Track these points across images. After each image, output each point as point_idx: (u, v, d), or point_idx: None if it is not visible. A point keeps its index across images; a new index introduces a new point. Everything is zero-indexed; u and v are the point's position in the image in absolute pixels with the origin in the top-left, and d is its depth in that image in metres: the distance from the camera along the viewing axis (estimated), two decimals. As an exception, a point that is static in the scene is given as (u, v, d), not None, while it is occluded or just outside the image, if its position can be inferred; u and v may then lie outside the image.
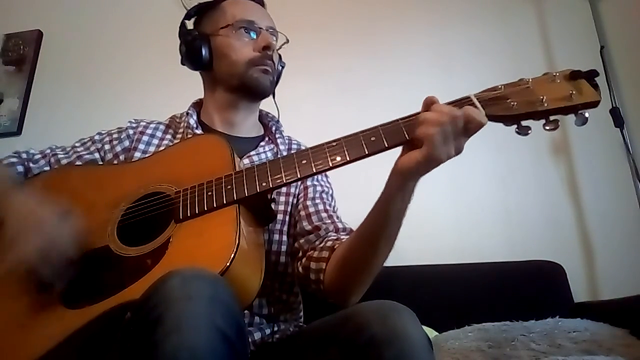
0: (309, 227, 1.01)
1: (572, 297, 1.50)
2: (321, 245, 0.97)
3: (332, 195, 1.13)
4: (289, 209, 1.07)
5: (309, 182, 1.10)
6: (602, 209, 1.69)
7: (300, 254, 1.00)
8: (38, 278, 0.77)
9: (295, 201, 1.08)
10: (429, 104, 0.78)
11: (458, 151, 0.76)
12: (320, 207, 1.05)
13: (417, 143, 0.76)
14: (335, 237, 0.97)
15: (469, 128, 0.74)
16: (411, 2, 2.07)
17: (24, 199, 0.85)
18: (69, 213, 0.84)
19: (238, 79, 1.08)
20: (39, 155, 1.06)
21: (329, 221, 1.02)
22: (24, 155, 1.04)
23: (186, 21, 1.15)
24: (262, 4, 1.18)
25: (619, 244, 1.64)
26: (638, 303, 1.28)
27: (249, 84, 1.08)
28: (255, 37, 1.10)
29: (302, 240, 1.01)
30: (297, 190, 1.09)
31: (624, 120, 1.63)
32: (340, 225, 1.02)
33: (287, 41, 1.16)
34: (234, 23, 1.09)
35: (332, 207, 1.10)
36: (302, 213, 1.04)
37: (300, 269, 0.98)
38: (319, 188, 1.10)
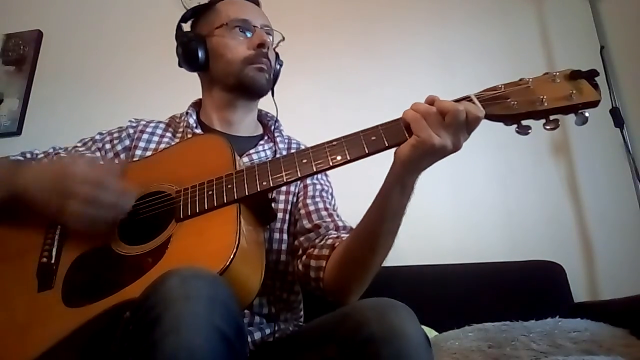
0: (309, 225, 1.01)
1: (572, 297, 1.50)
2: (321, 243, 0.97)
3: (332, 194, 1.14)
4: (289, 208, 1.07)
5: (308, 181, 1.10)
6: (602, 209, 1.68)
7: (300, 251, 1.00)
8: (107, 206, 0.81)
9: (295, 200, 1.08)
10: (429, 103, 0.78)
11: (456, 146, 0.76)
12: (320, 205, 1.05)
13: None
14: (335, 235, 0.98)
15: (468, 122, 0.75)
16: (411, 2, 2.06)
17: (37, 167, 0.91)
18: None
19: (234, 78, 1.09)
20: (42, 155, 1.07)
21: (329, 219, 1.02)
22: (28, 155, 1.05)
23: (182, 24, 1.16)
24: (257, 3, 1.19)
25: (619, 244, 1.64)
26: (638, 303, 1.28)
27: (245, 83, 1.09)
28: (250, 35, 1.10)
29: (302, 238, 1.01)
30: (297, 189, 1.10)
31: (624, 120, 1.63)
32: (340, 224, 1.02)
33: (283, 39, 1.17)
34: (228, 22, 1.09)
35: (332, 206, 1.10)
36: (302, 211, 1.04)
37: (300, 266, 0.98)
38: (318, 186, 1.10)
